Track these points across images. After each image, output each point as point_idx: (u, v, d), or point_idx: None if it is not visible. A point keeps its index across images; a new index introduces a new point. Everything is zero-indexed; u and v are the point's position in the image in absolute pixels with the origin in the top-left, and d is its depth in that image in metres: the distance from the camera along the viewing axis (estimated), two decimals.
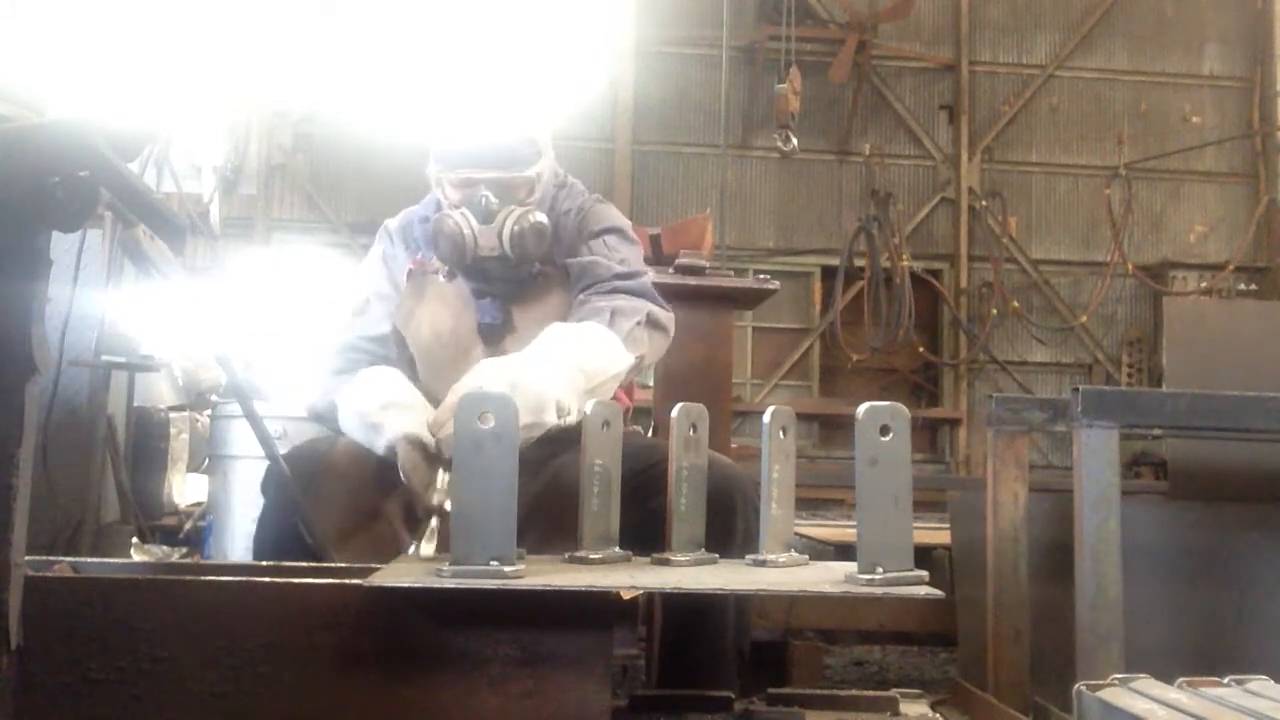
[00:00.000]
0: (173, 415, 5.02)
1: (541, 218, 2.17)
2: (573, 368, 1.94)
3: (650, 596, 2.61)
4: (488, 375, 1.87)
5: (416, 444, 1.90)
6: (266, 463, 2.05)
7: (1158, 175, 10.66)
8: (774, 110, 8.76)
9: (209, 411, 4.95)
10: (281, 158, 9.59)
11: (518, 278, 2.22)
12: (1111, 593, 2.49)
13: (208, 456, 4.89)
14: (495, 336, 2.23)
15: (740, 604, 2.21)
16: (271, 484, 2.07)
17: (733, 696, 1.73)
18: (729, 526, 1.93)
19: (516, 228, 2.14)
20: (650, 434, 2.89)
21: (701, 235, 3.44)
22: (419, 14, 7.84)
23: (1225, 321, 3.35)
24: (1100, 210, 10.39)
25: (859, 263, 9.97)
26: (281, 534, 1.96)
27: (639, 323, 2.11)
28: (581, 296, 2.16)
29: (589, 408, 1.74)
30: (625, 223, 2.38)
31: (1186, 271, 10.40)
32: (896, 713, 1.75)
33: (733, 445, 3.03)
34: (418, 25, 7.88)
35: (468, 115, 2.19)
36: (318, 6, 7.69)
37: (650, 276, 2.29)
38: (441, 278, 2.24)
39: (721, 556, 1.75)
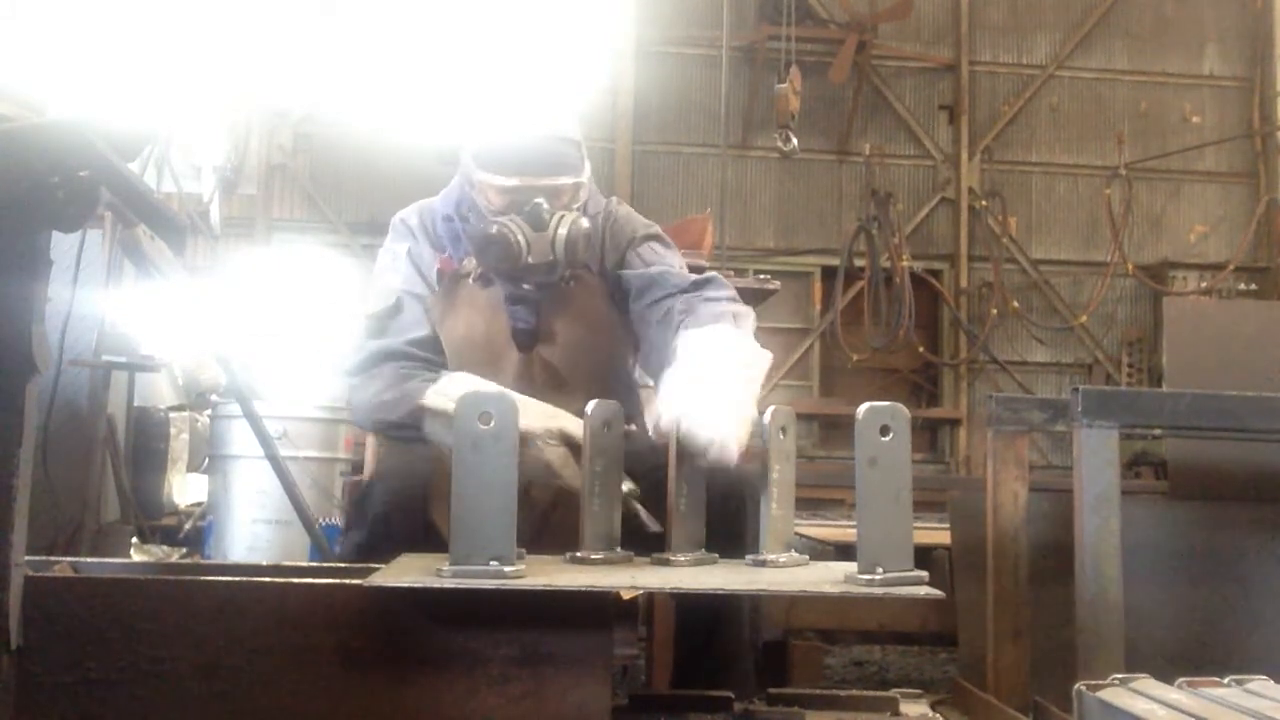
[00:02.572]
0: (173, 415, 5.02)
1: (588, 224, 2.16)
2: (748, 376, 1.90)
3: (667, 596, 2.61)
4: (693, 390, 1.78)
5: (563, 438, 1.89)
6: (361, 478, 2.02)
7: (1158, 175, 10.65)
8: (774, 110, 8.75)
9: (209, 411, 4.95)
10: (281, 158, 9.59)
11: (550, 282, 2.21)
12: (1111, 593, 2.49)
13: (208, 456, 4.89)
14: (528, 342, 2.22)
15: (755, 603, 2.22)
16: (392, 488, 2.02)
17: (732, 696, 1.74)
18: (737, 528, 1.93)
19: (569, 235, 2.11)
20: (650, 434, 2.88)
21: (701, 235, 3.45)
22: (422, 14, 7.85)
23: (1225, 321, 3.35)
24: (1100, 210, 10.38)
25: (859, 263, 9.96)
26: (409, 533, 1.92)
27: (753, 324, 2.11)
28: (680, 303, 2.11)
29: (589, 408, 1.74)
30: (656, 226, 2.39)
31: (1186, 271, 10.39)
32: (896, 713, 1.75)
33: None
34: (422, 26, 7.88)
35: (521, 121, 2.14)
36: (317, 6, 7.69)
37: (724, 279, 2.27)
38: (472, 281, 2.21)
39: (731, 556, 1.75)
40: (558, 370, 2.21)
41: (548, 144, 2.13)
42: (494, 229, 2.11)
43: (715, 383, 1.77)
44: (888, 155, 10.50)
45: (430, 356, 2.16)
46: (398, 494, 1.99)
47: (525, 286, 2.21)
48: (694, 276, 2.21)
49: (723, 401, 1.73)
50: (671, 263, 2.28)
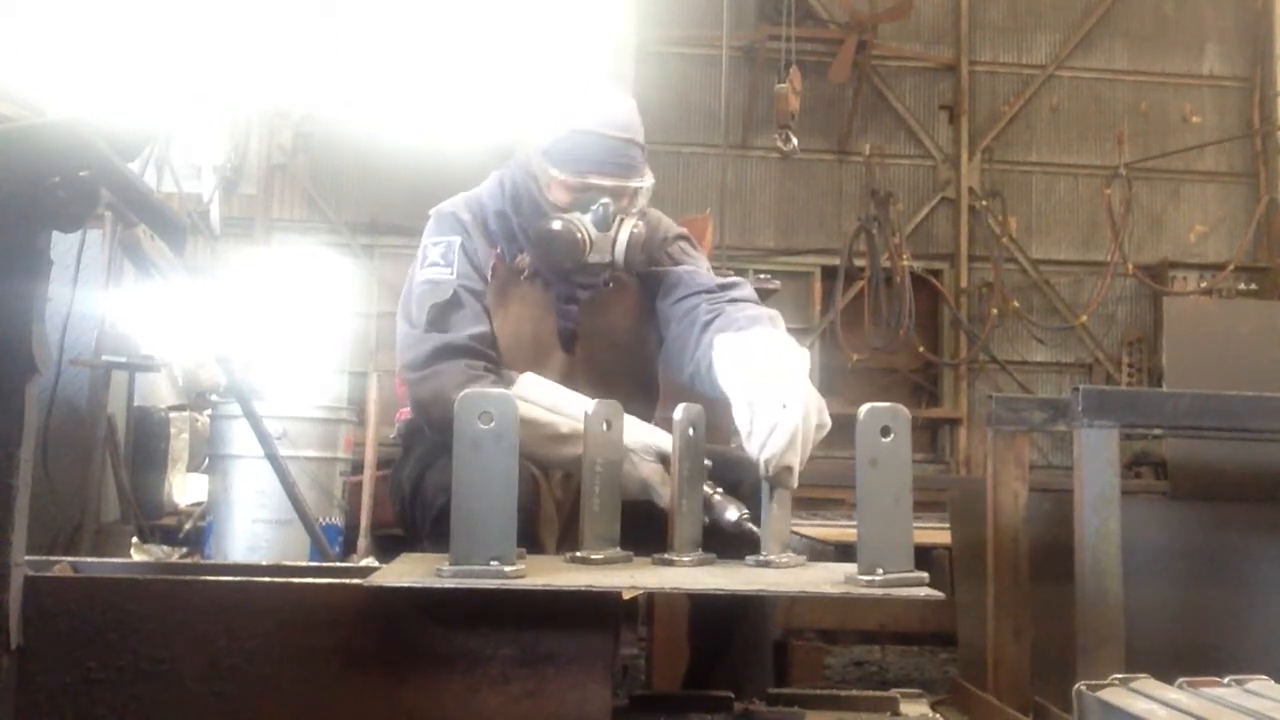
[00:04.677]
0: (173, 415, 5.02)
1: (643, 229, 2.18)
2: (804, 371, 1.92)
3: (668, 598, 2.61)
4: (779, 388, 1.77)
5: (659, 455, 1.89)
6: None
7: (1158, 175, 10.64)
8: (774, 110, 8.74)
9: (209, 411, 4.95)
10: (281, 158, 9.58)
11: (595, 284, 2.22)
12: (1111, 593, 2.49)
13: (208, 456, 4.89)
14: (570, 342, 2.23)
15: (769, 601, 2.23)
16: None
17: (732, 696, 1.74)
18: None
19: (629, 239, 2.14)
20: None
21: (702, 235, 3.45)
22: (422, 13, 7.84)
23: (1225, 321, 3.35)
24: (1100, 210, 10.37)
25: (859, 263, 9.96)
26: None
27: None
28: (706, 306, 2.14)
29: (590, 407, 1.74)
30: (684, 228, 2.41)
31: (1186, 271, 10.38)
32: (896, 713, 1.76)
33: (733, 445, 3.03)
34: (423, 25, 7.87)
35: (599, 122, 2.14)
36: (318, 6, 7.69)
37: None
38: (524, 278, 2.21)
39: (730, 556, 1.75)
40: (599, 370, 2.22)
41: (619, 145, 2.14)
42: (559, 225, 2.12)
43: (796, 408, 1.74)
44: (888, 155, 10.49)
45: (493, 353, 2.15)
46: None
47: (578, 288, 2.22)
48: (719, 279, 2.24)
49: (802, 428, 1.73)
50: (699, 263, 2.30)
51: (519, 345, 2.19)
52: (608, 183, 2.13)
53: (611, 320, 2.25)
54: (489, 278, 2.21)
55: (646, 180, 2.20)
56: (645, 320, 2.28)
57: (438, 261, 2.20)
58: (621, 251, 2.14)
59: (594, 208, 2.11)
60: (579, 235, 2.11)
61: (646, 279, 2.28)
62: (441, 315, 2.14)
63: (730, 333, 2.00)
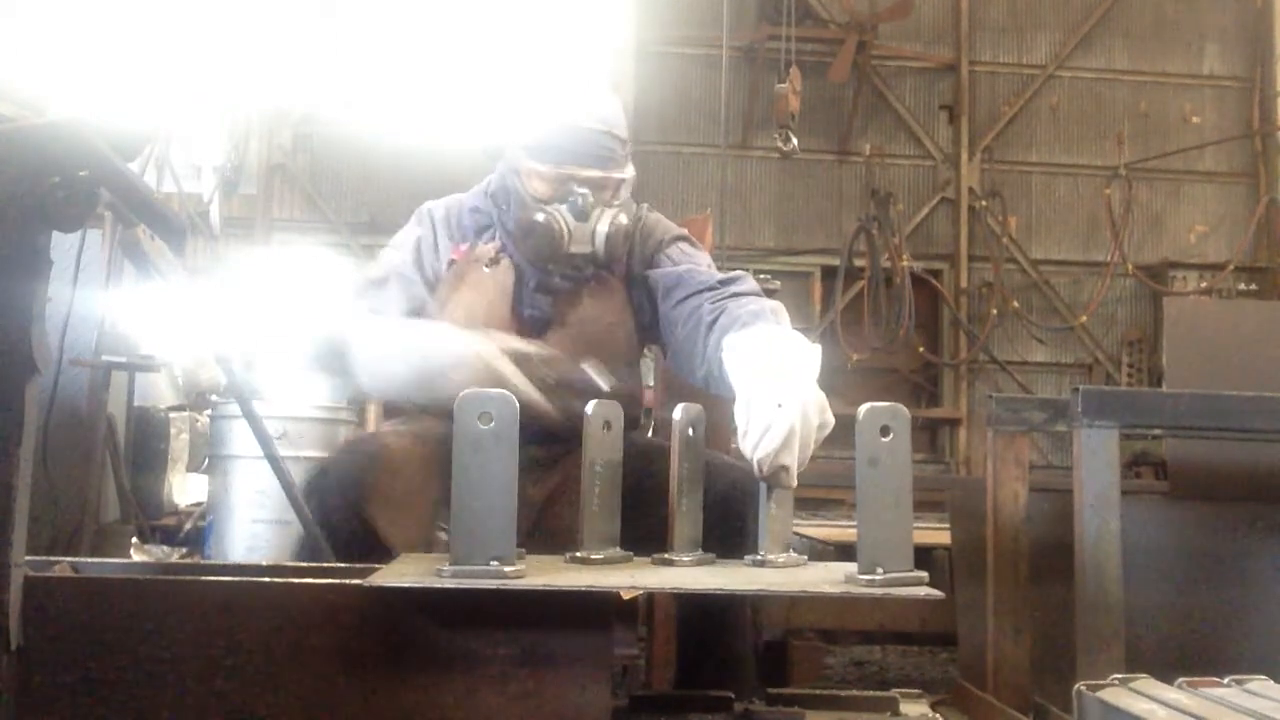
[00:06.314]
0: (173, 415, 5.02)
1: (626, 220, 2.20)
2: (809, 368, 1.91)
3: (667, 598, 2.62)
4: (776, 386, 1.76)
5: (514, 355, 1.95)
6: (314, 468, 2.07)
7: (1158, 175, 10.65)
8: (774, 110, 8.74)
9: (209, 411, 4.96)
10: (281, 158, 9.58)
11: (578, 276, 2.24)
12: (1111, 593, 2.49)
13: (208, 456, 4.89)
14: (538, 330, 2.23)
15: (755, 604, 2.22)
16: (327, 488, 2.05)
17: (732, 697, 1.73)
18: (740, 528, 1.93)
19: (610, 229, 2.16)
20: (650, 434, 2.89)
21: (701, 235, 3.44)
22: (422, 14, 7.84)
23: (1225, 321, 3.35)
24: (1100, 210, 10.38)
25: (859, 263, 9.96)
26: (349, 535, 1.95)
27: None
28: (709, 305, 2.13)
29: (589, 408, 1.74)
30: (684, 230, 2.42)
31: (1186, 271, 10.38)
32: (896, 713, 1.75)
33: (733, 445, 3.03)
34: (423, 26, 7.88)
35: (573, 113, 2.17)
36: (318, 7, 7.69)
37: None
38: (485, 268, 2.24)
39: (730, 557, 1.75)
40: None
41: (596, 137, 2.16)
42: (541, 216, 2.15)
43: (792, 407, 1.72)
44: (888, 155, 10.49)
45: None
46: (335, 489, 2.00)
47: (556, 278, 2.23)
48: (720, 275, 2.23)
49: (800, 427, 1.71)
50: (699, 262, 2.30)
51: (470, 328, 2.21)
52: (585, 173, 2.15)
53: (587, 313, 2.25)
54: (441, 271, 2.27)
55: (627, 172, 2.21)
56: (623, 321, 2.28)
57: (396, 245, 2.32)
58: (601, 242, 2.16)
59: (571, 198, 2.14)
60: (558, 226, 2.14)
61: (642, 283, 2.28)
62: (370, 290, 2.23)
63: (735, 331, 1.99)
